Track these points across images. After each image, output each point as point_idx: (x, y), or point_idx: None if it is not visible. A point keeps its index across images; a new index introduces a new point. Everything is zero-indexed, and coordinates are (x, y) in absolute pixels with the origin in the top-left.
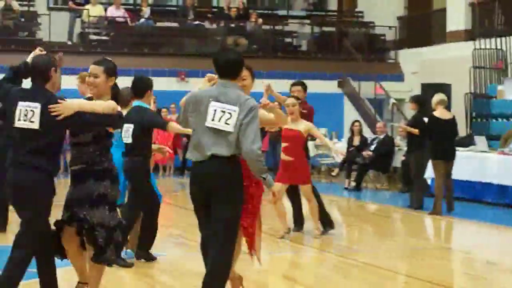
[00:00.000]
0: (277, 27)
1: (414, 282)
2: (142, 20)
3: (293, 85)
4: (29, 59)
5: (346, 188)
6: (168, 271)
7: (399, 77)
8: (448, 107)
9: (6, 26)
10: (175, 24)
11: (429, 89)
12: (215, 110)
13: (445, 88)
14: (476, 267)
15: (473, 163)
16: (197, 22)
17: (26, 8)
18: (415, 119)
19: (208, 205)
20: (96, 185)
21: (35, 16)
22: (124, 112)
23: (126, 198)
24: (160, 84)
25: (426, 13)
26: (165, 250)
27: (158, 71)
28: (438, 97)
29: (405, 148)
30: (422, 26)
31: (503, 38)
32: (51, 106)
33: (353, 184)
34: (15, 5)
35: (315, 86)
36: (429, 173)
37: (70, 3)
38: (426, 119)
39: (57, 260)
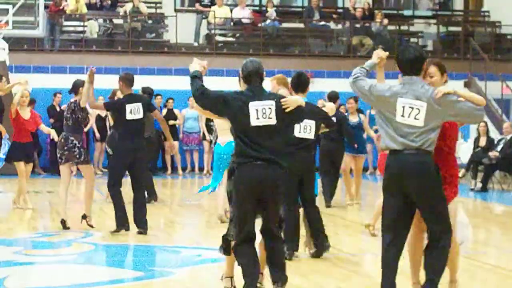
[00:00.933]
0: (402, 27)
1: None
2: (268, 21)
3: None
4: None
5: (472, 189)
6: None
7: None
8: None
9: (134, 28)
10: (300, 25)
11: None
12: (403, 107)
13: None
14: None
15: None
16: (322, 23)
17: (153, 10)
18: None
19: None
20: None
21: (162, 18)
22: None
23: None
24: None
25: None
26: None
27: (284, 72)
28: None
29: None
30: None
31: None
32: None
33: (479, 185)
34: (143, 7)
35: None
36: None
37: (197, 4)
38: None
39: None
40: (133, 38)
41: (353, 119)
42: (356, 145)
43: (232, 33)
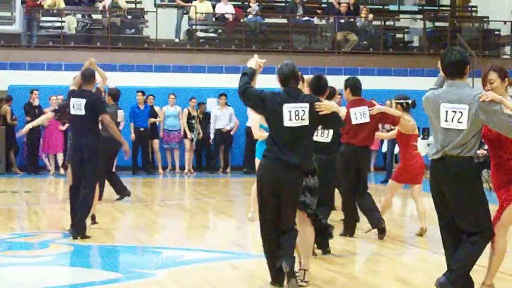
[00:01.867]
0: (388, 23)
1: None
2: (250, 16)
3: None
4: None
5: None
6: None
7: None
8: None
9: (113, 24)
10: (284, 20)
11: None
12: (446, 112)
13: None
14: None
15: None
16: (306, 18)
17: (133, 5)
18: None
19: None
20: None
21: (142, 13)
22: None
23: None
24: (269, 81)
25: None
26: None
27: (267, 68)
28: None
29: None
30: None
31: None
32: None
33: None
34: (122, 2)
35: (428, 83)
36: None
37: (178, 0)
38: None
39: None
40: (112, 34)
41: None
42: None
43: (214, 29)
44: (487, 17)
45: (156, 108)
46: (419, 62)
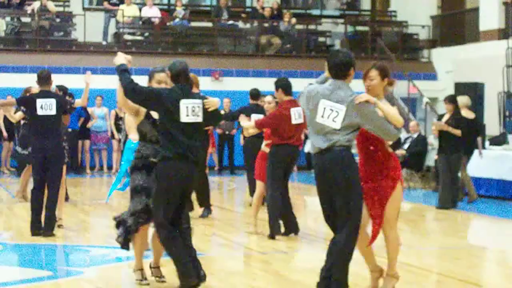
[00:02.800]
0: (310, 27)
1: (449, 280)
2: (177, 20)
3: None
4: None
5: None
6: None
7: (433, 76)
8: (481, 106)
9: (42, 27)
10: (209, 24)
11: (463, 88)
12: (324, 108)
13: (478, 87)
14: None
15: (507, 162)
16: (231, 22)
17: (61, 8)
18: (456, 119)
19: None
20: None
21: (71, 16)
22: None
23: None
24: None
25: (459, 12)
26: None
27: (193, 71)
28: (463, 99)
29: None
30: (455, 25)
31: None
32: None
33: None
34: (51, 5)
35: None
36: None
37: (105, 3)
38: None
39: None
40: (41, 36)
41: None
42: None
43: (141, 32)
44: (406, 22)
45: (90, 110)
46: None
